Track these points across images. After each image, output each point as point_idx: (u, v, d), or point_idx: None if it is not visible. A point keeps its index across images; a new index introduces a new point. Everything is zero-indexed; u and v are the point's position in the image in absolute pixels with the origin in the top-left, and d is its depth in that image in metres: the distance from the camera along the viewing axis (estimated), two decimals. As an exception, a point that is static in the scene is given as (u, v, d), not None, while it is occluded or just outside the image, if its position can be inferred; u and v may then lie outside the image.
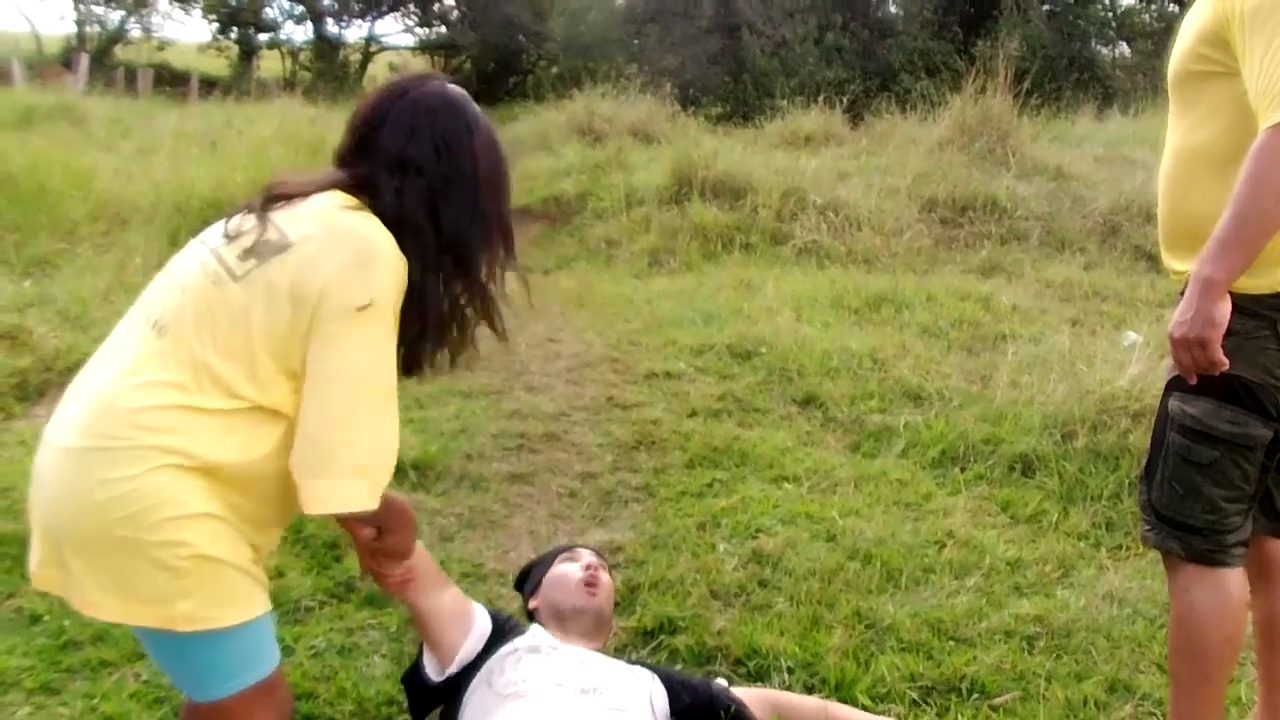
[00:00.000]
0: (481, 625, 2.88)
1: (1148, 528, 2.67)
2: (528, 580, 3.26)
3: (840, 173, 11.86)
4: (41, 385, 5.71)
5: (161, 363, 2.01)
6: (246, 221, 2.14)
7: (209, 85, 25.93)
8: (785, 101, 16.29)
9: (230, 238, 2.13)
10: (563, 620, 2.99)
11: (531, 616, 3.13)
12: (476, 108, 2.31)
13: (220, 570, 2.00)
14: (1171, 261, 2.66)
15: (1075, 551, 4.23)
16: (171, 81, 27.03)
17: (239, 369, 2.01)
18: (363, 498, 2.06)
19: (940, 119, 12.92)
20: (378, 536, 2.33)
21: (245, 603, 2.05)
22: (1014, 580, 3.96)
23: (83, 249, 8.21)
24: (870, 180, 11.41)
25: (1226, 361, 2.33)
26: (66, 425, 2.03)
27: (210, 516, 1.98)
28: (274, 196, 2.17)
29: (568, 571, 3.10)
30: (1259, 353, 2.42)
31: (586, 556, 3.18)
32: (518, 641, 2.83)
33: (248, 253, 2.08)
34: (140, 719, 3.04)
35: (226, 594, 2.02)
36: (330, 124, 13.98)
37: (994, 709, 3.14)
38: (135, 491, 1.93)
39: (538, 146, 14.98)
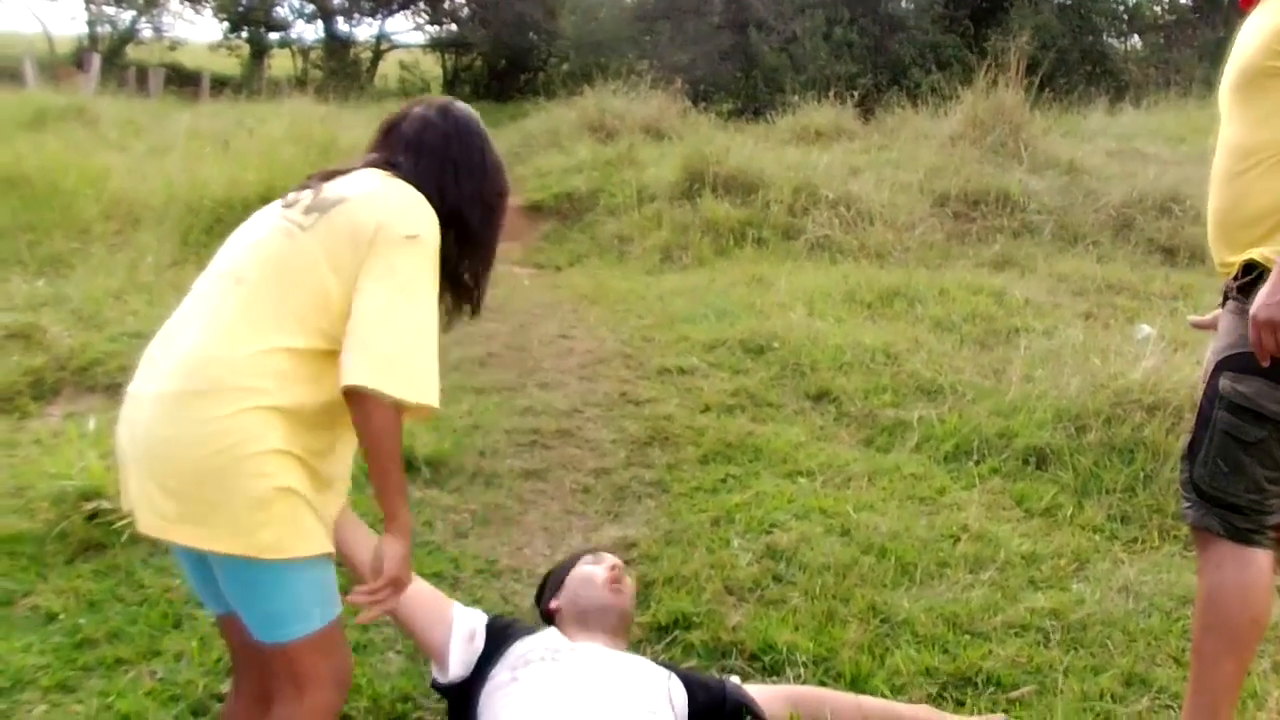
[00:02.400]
0: (465, 624, 2.90)
1: (1188, 504, 2.71)
2: (548, 585, 3.27)
3: (852, 167, 11.83)
4: (56, 384, 5.72)
5: (244, 312, 2.26)
6: (303, 191, 2.46)
7: (220, 84, 25.93)
8: (796, 97, 16.26)
9: (290, 205, 2.43)
10: (586, 618, 3.01)
11: (550, 618, 3.14)
12: (482, 124, 2.67)
13: (298, 503, 2.21)
14: (1225, 255, 2.69)
15: (1090, 545, 4.22)
16: (183, 81, 27.02)
17: (315, 312, 2.26)
18: (426, 392, 2.28)
19: (952, 113, 12.88)
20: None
21: (315, 537, 2.25)
22: (1029, 574, 3.96)
23: (96, 248, 8.23)
24: (882, 175, 11.39)
25: None
26: (158, 376, 2.26)
27: (289, 455, 2.20)
28: (324, 174, 2.52)
29: (593, 571, 3.12)
30: None
31: (610, 559, 3.21)
32: (532, 641, 2.84)
33: (310, 209, 2.39)
34: (155, 716, 3.05)
35: (303, 527, 2.22)
36: (341, 122, 14.01)
37: (1010, 702, 3.14)
38: (225, 429, 2.15)
39: (549, 144, 14.94)
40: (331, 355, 2.24)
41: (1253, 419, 2.55)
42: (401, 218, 2.34)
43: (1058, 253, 9.75)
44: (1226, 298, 2.69)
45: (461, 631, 2.87)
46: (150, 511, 2.22)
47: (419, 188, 2.45)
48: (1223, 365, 2.62)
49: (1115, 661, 3.38)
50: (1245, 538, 2.61)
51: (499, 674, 2.74)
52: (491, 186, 2.60)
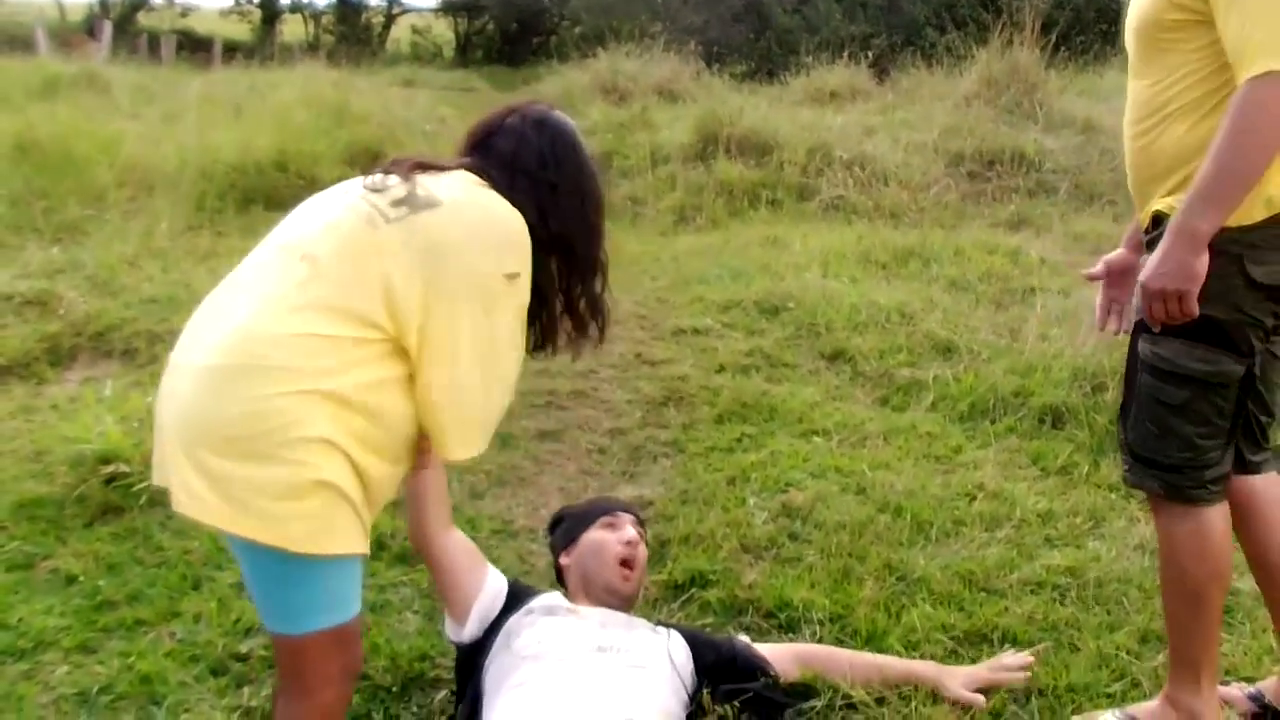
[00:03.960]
0: (495, 584, 2.89)
1: (1126, 468, 2.71)
2: (561, 529, 3.25)
3: (866, 128, 11.79)
4: (72, 350, 5.75)
5: (307, 293, 2.11)
6: (391, 179, 2.28)
7: (232, 51, 25.88)
8: (810, 58, 16.17)
9: (377, 190, 2.26)
10: (590, 588, 3.00)
11: (559, 572, 3.15)
12: (581, 135, 2.52)
13: (335, 499, 2.08)
14: (1140, 202, 2.66)
15: (1106, 503, 4.21)
16: (194, 47, 26.97)
17: (381, 305, 2.12)
18: (483, 448, 2.30)
19: (967, 73, 12.81)
20: None
21: (349, 537, 2.12)
22: (1045, 532, 3.96)
23: (110, 215, 8.23)
24: (897, 135, 11.34)
25: (1198, 312, 2.37)
26: (205, 347, 2.12)
27: (333, 445, 2.06)
28: (416, 163, 2.34)
29: (606, 543, 3.06)
30: (1227, 290, 2.42)
31: (629, 529, 3.12)
32: (534, 604, 2.84)
33: (400, 202, 2.22)
34: (176, 677, 3.07)
35: (336, 523, 2.09)
36: (353, 87, 13.99)
37: (1026, 659, 3.14)
38: (268, 410, 2.03)
39: (562, 107, 14.71)
40: (389, 345, 2.13)
41: (1176, 381, 2.52)
42: (502, 252, 2.21)
43: (1073, 212, 9.71)
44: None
45: (490, 590, 2.86)
46: (180, 488, 2.08)
47: (518, 208, 2.29)
48: (1140, 326, 2.58)
49: (1131, 618, 3.37)
50: (1187, 496, 2.59)
51: (500, 637, 2.75)
52: (592, 206, 2.47)
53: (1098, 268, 3.04)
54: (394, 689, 3.03)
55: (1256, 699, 2.94)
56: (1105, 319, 3.03)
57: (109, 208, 8.43)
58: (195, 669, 3.12)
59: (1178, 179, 2.48)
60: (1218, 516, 2.62)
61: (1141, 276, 2.41)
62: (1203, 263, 2.33)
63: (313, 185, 2.33)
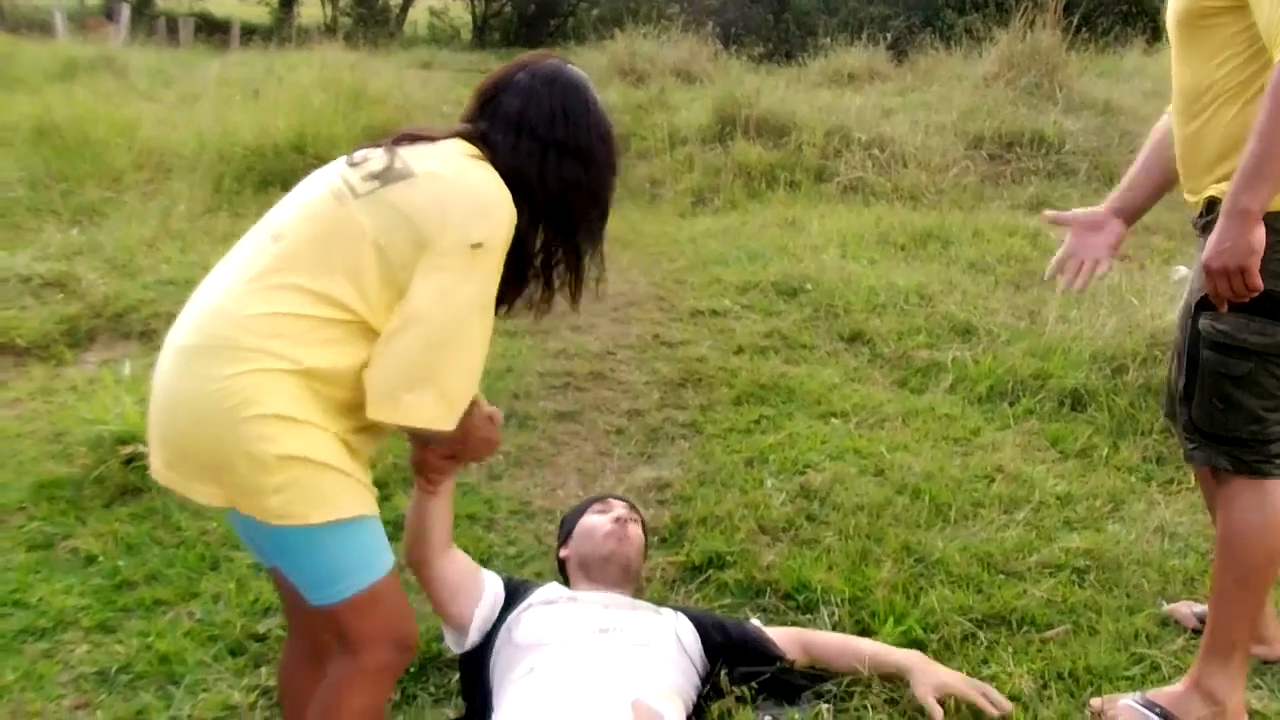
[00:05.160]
0: (492, 591, 2.86)
1: (1193, 446, 2.75)
2: (562, 529, 3.28)
3: (885, 110, 11.75)
4: (91, 331, 5.78)
5: (275, 270, 2.12)
6: (373, 152, 2.26)
7: (250, 33, 25.83)
8: (828, 39, 16.09)
9: (355, 165, 2.25)
10: (590, 569, 3.01)
11: (562, 566, 3.15)
12: (594, 90, 2.44)
13: (308, 469, 2.06)
14: (1189, 192, 2.75)
15: (1125, 486, 4.20)
16: (212, 30, 26.96)
17: (348, 282, 2.10)
18: (444, 418, 2.17)
19: (986, 54, 12.75)
20: (449, 455, 2.54)
21: (336, 502, 2.10)
22: (1064, 514, 3.94)
23: (128, 197, 8.26)
24: (915, 117, 11.29)
25: (1262, 285, 2.42)
26: (184, 327, 2.16)
27: (291, 420, 2.04)
28: (403, 136, 2.31)
29: (597, 523, 3.10)
30: (1276, 265, 2.48)
31: (618, 508, 3.17)
32: (532, 598, 2.83)
33: (373, 176, 2.20)
34: (194, 656, 3.09)
35: (315, 492, 2.07)
36: (371, 69, 13.96)
37: (1044, 642, 3.12)
38: (229, 389, 2.02)
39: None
40: (358, 326, 2.11)
41: (1238, 354, 2.59)
42: (469, 221, 2.14)
43: (1094, 194, 9.62)
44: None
45: (487, 598, 2.83)
46: (161, 462, 2.15)
47: (516, 171, 2.26)
48: (1200, 305, 2.64)
49: (1150, 601, 3.36)
50: (1255, 469, 2.65)
51: (501, 633, 2.73)
52: (599, 172, 2.40)
53: (1065, 215, 3.12)
54: (411, 669, 3.03)
55: (1202, 617, 3.03)
56: (1058, 270, 3.11)
57: (127, 190, 8.45)
58: (214, 648, 3.14)
59: (1227, 166, 2.53)
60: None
61: (1202, 258, 2.46)
62: (1259, 237, 2.38)
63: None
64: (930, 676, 2.80)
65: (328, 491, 2.09)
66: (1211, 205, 2.61)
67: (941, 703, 2.73)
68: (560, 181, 2.32)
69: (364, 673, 2.21)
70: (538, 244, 2.39)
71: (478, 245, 2.13)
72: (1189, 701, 2.75)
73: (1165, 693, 2.82)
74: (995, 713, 2.70)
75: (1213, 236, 2.44)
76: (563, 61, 2.45)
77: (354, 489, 2.14)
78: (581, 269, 2.49)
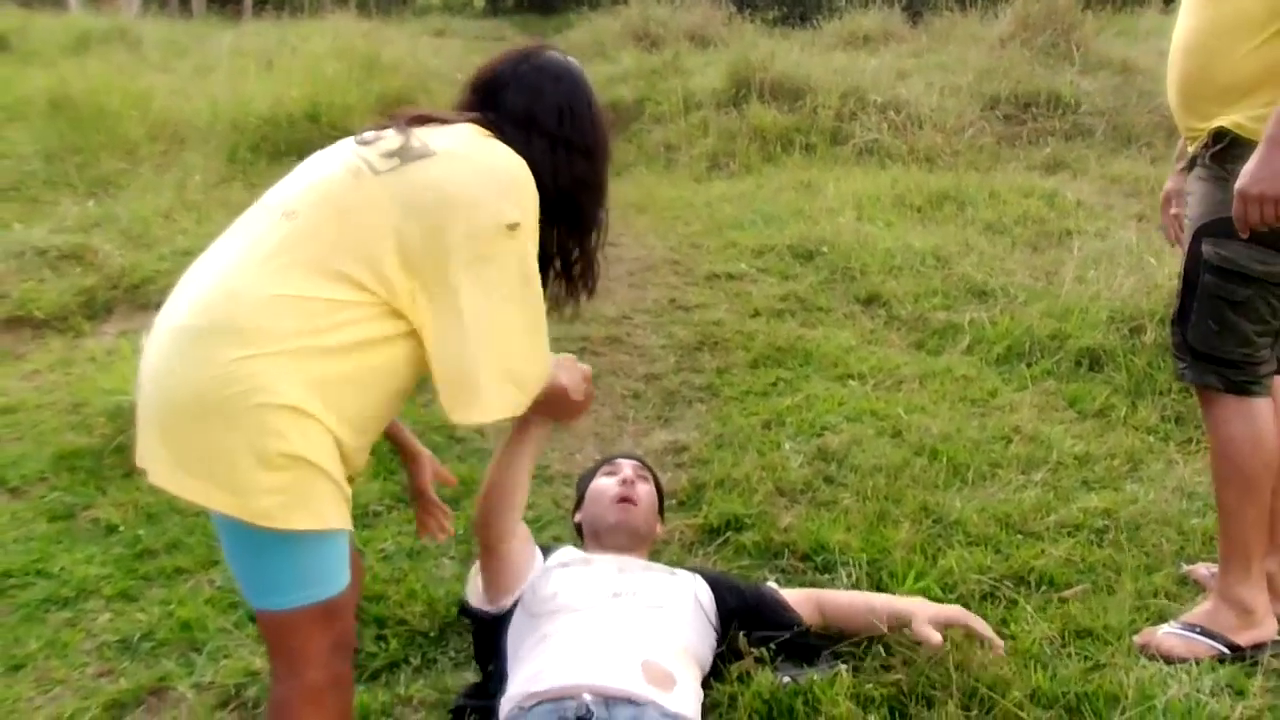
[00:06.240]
0: (538, 563, 2.83)
1: (1184, 365, 2.91)
2: (578, 491, 3.28)
3: (900, 71, 11.67)
4: (108, 303, 5.80)
5: (287, 249, 2.00)
6: (385, 131, 2.17)
7: (263, 3, 25.78)
8: (843, 2, 15.99)
9: (367, 143, 2.15)
10: (600, 535, 3.01)
11: (579, 530, 3.16)
12: (590, 82, 2.41)
13: (307, 473, 1.94)
14: (1193, 122, 2.81)
15: (1144, 445, 4.19)
16: (225, 1, 26.93)
17: (364, 262, 1.99)
18: (523, 404, 2.14)
19: (1002, 15, 12.67)
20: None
21: (322, 512, 1.97)
22: (1082, 474, 3.94)
23: (143, 169, 8.28)
24: (931, 78, 11.21)
25: None
26: (181, 307, 2.01)
27: (304, 413, 1.92)
28: (417, 118, 2.22)
29: (605, 486, 3.09)
30: None
31: (625, 469, 3.14)
32: (550, 561, 2.83)
33: (391, 154, 2.10)
34: (215, 623, 3.11)
35: (308, 498, 1.95)
36: (384, 38, 13.95)
37: (1063, 601, 3.12)
38: (236, 374, 1.89)
39: (594, 54, 14.76)
40: (374, 308, 2.00)
41: (1239, 280, 2.72)
42: (502, 201, 2.08)
43: (1110, 154, 9.60)
44: (1194, 164, 2.82)
45: (534, 570, 2.78)
46: (146, 453, 2.00)
47: (529, 166, 2.17)
48: (1202, 231, 2.77)
49: (1169, 560, 3.36)
50: (1244, 389, 2.82)
51: (522, 599, 2.72)
52: (602, 166, 2.38)
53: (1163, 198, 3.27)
54: (431, 634, 3.06)
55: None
56: (1171, 235, 3.26)
57: (142, 162, 8.47)
58: (234, 615, 3.16)
59: (1236, 94, 2.64)
60: (1266, 409, 2.85)
61: (1239, 184, 2.50)
62: None
63: (345, 136, 2.23)
64: (929, 611, 2.78)
65: (317, 499, 1.97)
66: (1219, 136, 2.69)
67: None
68: (571, 179, 2.29)
69: (316, 691, 2.08)
70: (554, 243, 2.35)
71: (514, 225, 2.07)
72: (1221, 614, 2.91)
73: (1198, 612, 2.96)
74: (998, 641, 2.73)
75: (1251, 163, 2.48)
76: (561, 53, 2.41)
77: (338, 500, 2.01)
78: (595, 263, 2.47)
